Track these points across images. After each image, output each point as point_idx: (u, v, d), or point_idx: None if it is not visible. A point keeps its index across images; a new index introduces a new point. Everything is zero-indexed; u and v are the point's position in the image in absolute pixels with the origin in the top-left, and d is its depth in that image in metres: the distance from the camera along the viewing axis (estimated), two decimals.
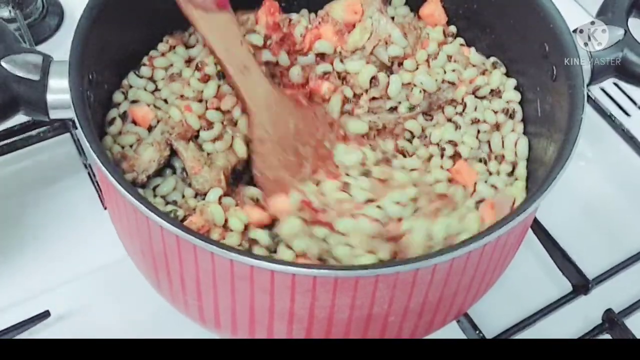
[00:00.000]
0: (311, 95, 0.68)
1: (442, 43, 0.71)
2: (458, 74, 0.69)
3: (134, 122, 0.64)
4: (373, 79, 0.67)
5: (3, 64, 0.56)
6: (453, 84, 0.68)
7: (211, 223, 0.58)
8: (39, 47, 0.76)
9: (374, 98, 0.67)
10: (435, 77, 0.67)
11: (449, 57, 0.70)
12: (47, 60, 0.58)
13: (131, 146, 0.62)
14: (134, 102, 0.64)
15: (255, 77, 0.64)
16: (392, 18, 0.71)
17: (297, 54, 0.69)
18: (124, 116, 0.63)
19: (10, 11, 0.84)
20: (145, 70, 0.66)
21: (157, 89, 0.66)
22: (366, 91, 0.67)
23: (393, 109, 0.67)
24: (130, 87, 0.65)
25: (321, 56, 0.69)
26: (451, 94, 0.68)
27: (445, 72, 0.69)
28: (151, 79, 0.66)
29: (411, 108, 0.67)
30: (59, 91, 0.56)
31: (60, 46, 0.81)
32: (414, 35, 0.69)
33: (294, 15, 0.71)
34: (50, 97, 0.57)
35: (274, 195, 0.60)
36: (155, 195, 0.62)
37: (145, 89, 0.65)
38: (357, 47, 0.69)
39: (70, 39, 0.57)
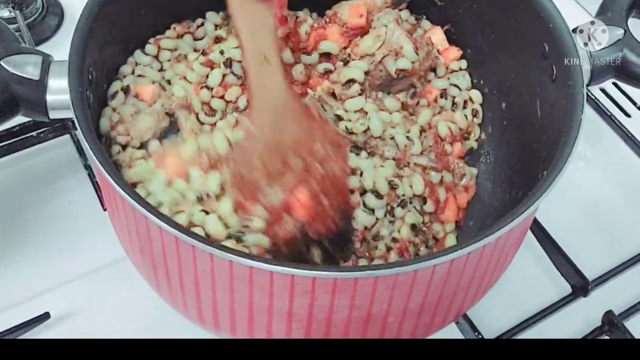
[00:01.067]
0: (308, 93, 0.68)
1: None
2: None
3: (137, 97, 0.65)
4: (351, 82, 0.67)
5: (3, 64, 0.56)
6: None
7: None
8: (39, 47, 0.76)
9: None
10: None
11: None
12: (47, 60, 0.57)
13: (131, 116, 0.63)
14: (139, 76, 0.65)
15: (272, 70, 0.61)
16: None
17: (301, 52, 0.69)
18: (126, 90, 0.64)
19: (10, 11, 0.84)
20: (150, 49, 0.67)
21: (162, 70, 0.67)
22: (344, 84, 0.67)
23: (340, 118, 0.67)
24: (137, 64, 0.66)
25: (325, 56, 0.69)
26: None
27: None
28: (156, 57, 0.67)
29: (365, 131, 0.66)
30: (59, 91, 0.56)
31: (60, 46, 0.80)
32: (425, 52, 0.68)
33: (300, 13, 0.71)
34: (50, 98, 0.57)
35: (242, 195, 0.58)
36: None
37: (151, 67, 0.67)
38: (367, 53, 0.68)
39: (70, 39, 0.57)
